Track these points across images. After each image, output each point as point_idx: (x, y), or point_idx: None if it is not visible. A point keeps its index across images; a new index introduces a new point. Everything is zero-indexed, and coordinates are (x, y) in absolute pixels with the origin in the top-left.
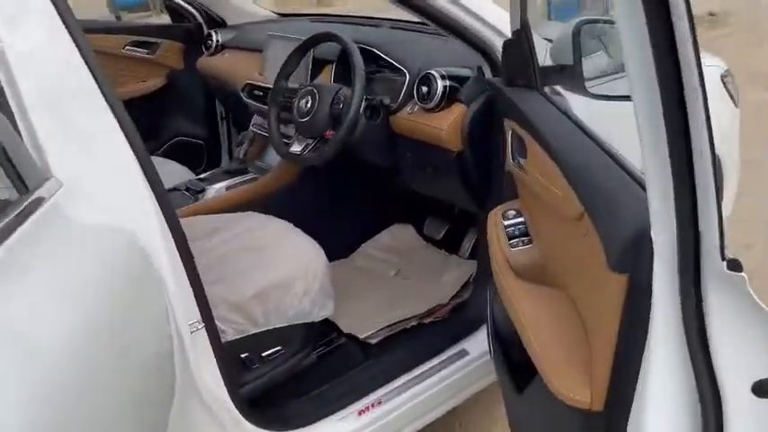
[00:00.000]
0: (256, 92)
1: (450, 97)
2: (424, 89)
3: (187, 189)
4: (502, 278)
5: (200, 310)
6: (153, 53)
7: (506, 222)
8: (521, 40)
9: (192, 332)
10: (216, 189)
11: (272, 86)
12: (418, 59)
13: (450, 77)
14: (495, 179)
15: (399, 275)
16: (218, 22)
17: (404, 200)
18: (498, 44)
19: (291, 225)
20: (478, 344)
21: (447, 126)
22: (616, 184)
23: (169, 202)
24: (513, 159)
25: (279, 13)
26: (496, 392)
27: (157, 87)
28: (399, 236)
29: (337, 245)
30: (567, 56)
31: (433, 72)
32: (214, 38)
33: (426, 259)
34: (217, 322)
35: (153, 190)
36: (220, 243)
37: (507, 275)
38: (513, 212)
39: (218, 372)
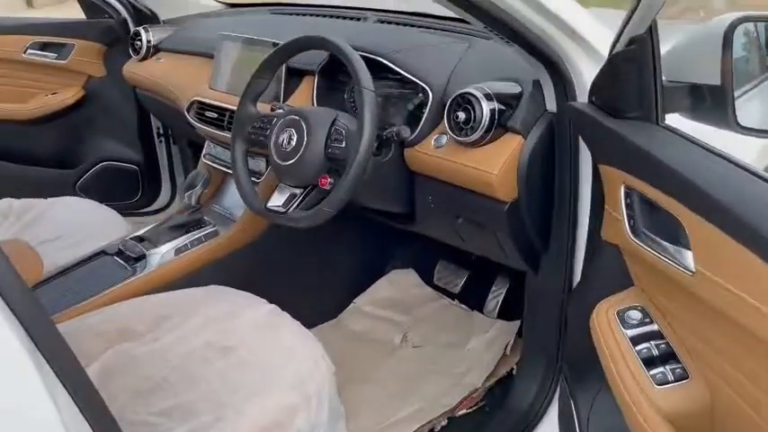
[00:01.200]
0: (208, 113)
1: (498, 125)
2: (461, 115)
3: (119, 253)
4: None
5: None
6: (64, 58)
7: (631, 333)
8: (643, 49)
9: None
10: (161, 254)
11: (229, 106)
12: (441, 71)
13: (499, 97)
14: (558, 233)
15: (408, 342)
16: (148, 17)
17: (405, 238)
18: (572, 51)
19: (273, 308)
20: None
21: (499, 168)
22: None
23: (42, 311)
24: (634, 233)
25: (227, 3)
26: None
27: (73, 101)
28: (402, 286)
29: (321, 303)
30: (694, 70)
31: (472, 91)
32: (144, 37)
33: (441, 318)
34: None
35: None
36: (174, 342)
37: None
38: (637, 315)
39: None
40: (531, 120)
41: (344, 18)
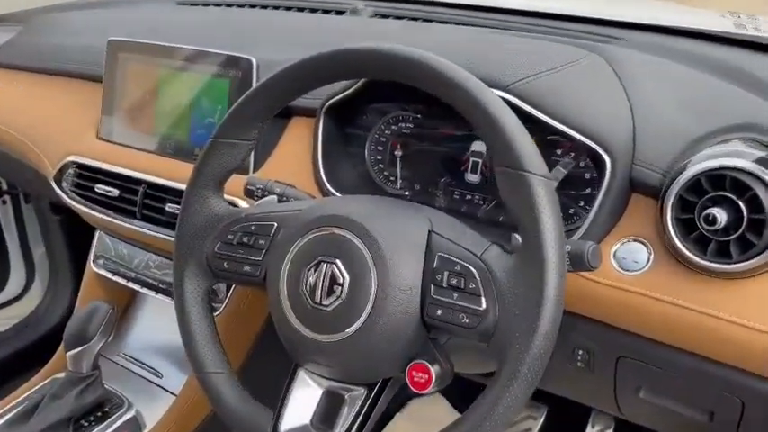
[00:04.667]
0: (101, 187)
1: None
2: (720, 216)
3: None
4: None
5: None
6: None
7: None
8: None
9: None
10: None
11: (144, 176)
12: (616, 118)
13: None
14: None
15: None
16: None
17: None
18: None
19: None
20: None
21: None
22: None
23: None
24: None
25: None
26: None
27: None
28: (427, 419)
29: None
30: None
31: (741, 164)
32: None
33: None
34: None
35: None
36: None
37: None
38: None
39: None
40: None
41: (304, 10)
